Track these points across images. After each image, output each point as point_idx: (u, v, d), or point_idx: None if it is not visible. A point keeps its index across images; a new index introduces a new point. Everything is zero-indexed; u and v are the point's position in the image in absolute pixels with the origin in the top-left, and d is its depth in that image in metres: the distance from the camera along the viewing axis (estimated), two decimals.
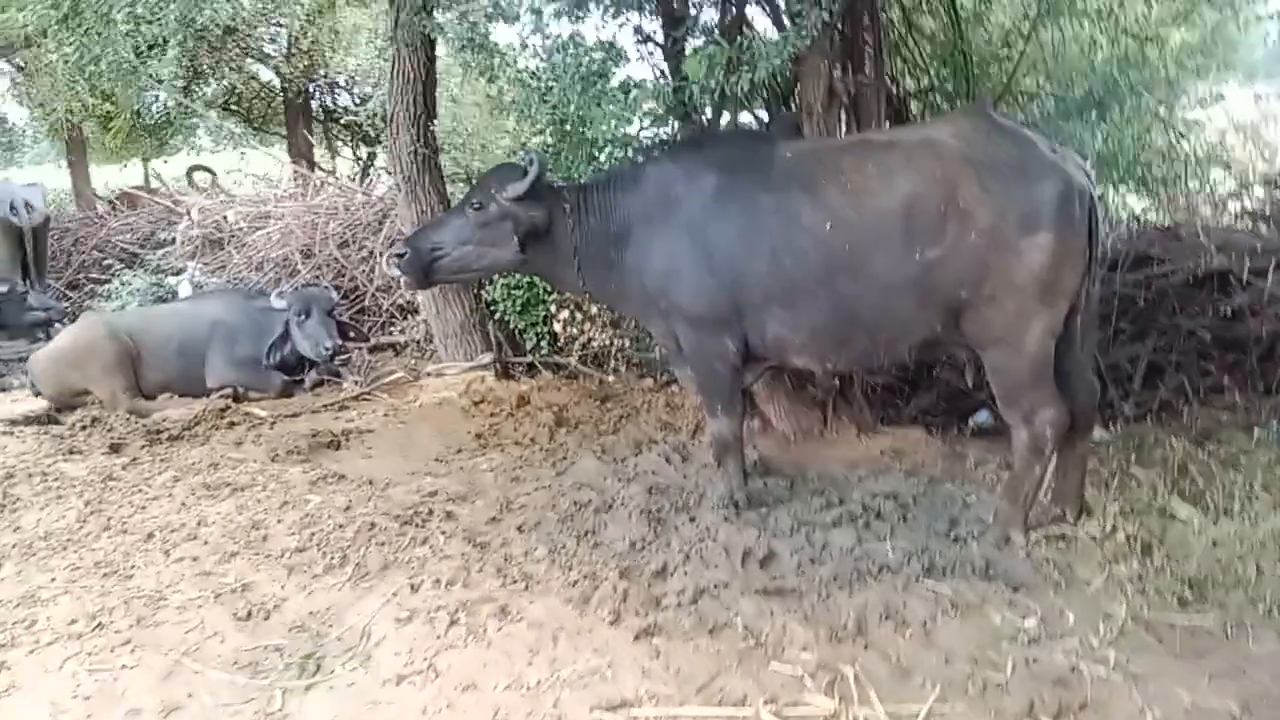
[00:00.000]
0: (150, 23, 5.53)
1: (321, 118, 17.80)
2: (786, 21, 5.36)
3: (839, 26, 5.27)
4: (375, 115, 15.85)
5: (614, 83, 7.00)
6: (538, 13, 5.31)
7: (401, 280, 5.01)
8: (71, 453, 5.93)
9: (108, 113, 15.09)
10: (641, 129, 6.81)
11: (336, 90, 17.95)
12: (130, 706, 3.17)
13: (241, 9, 11.86)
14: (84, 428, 6.33)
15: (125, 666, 3.40)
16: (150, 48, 6.14)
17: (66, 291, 10.83)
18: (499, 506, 4.65)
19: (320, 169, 15.30)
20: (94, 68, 5.03)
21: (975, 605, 3.50)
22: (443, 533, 4.36)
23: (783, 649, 3.25)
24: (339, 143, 18.45)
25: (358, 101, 17.44)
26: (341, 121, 17.76)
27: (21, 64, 14.27)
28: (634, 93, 6.66)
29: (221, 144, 22.00)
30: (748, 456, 4.68)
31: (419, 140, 6.85)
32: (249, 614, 3.74)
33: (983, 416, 5.53)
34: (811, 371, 4.92)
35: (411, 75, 6.86)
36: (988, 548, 3.94)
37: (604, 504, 4.57)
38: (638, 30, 6.71)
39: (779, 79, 5.62)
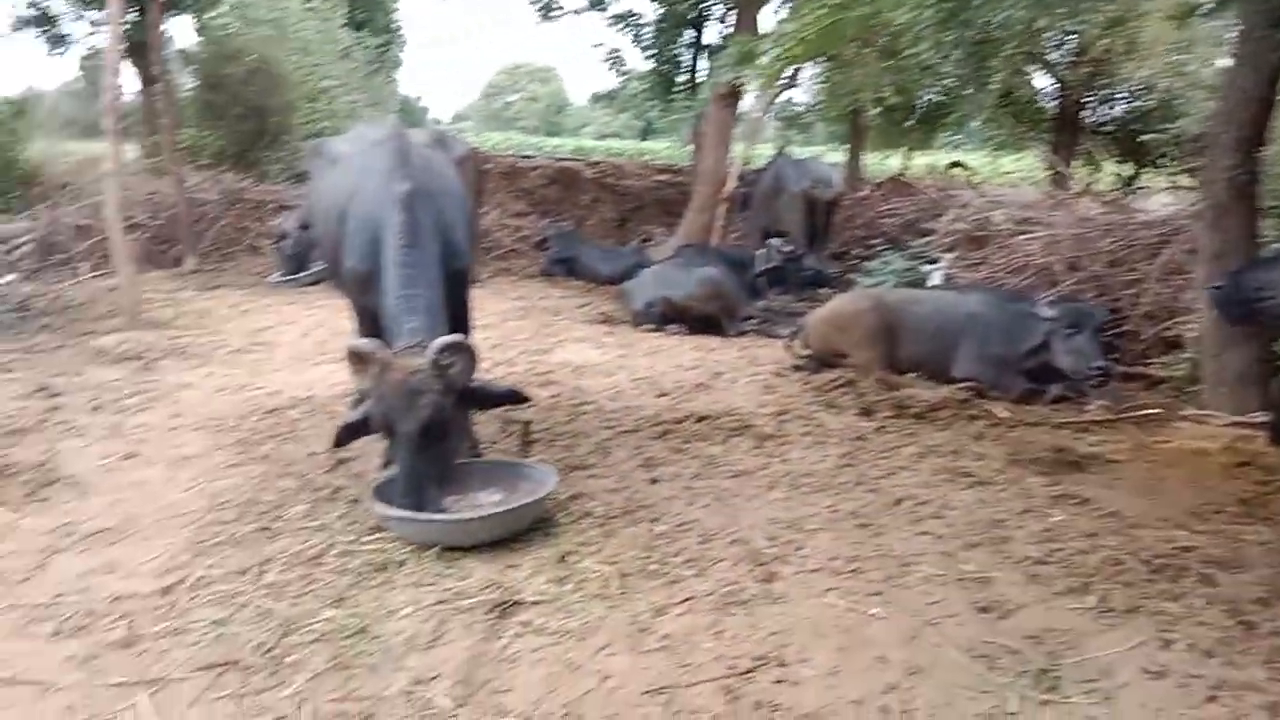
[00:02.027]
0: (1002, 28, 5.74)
1: (1087, 128, 17.16)
2: None
3: None
4: (1156, 133, 14.86)
5: None
6: None
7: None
8: (829, 406, 6.62)
9: (893, 104, 16.34)
10: None
11: (1113, 102, 17.15)
12: (878, 653, 3.43)
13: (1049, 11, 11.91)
14: (839, 387, 7.01)
15: (875, 615, 3.70)
16: (984, 43, 6.40)
17: (830, 260, 12.06)
18: (1268, 587, 4.07)
19: (1075, 181, 14.81)
20: (938, 64, 5.40)
21: None
22: (1199, 596, 3.96)
23: None
24: (1102, 156, 17.65)
25: (1133, 116, 16.48)
26: (1111, 134, 16.94)
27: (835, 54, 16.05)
28: None
29: (978, 143, 22.57)
30: None
31: (1239, 166, 6.20)
32: (987, 608, 3.79)
33: None
34: None
35: (1246, 95, 6.22)
36: None
37: None
38: None
39: None
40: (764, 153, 16.79)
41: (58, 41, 17.97)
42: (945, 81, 10.67)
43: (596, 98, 24.16)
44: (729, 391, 7.02)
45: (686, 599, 3.79)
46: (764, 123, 14.34)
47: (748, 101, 14.78)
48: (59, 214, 13.01)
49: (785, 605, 3.76)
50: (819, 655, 3.40)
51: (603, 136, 49.84)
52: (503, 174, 17.50)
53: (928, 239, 10.79)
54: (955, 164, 17.46)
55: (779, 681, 3.25)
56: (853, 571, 4.05)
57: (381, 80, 26.73)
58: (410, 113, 42.34)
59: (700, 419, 6.19)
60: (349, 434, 4.39)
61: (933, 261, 10.39)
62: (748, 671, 3.29)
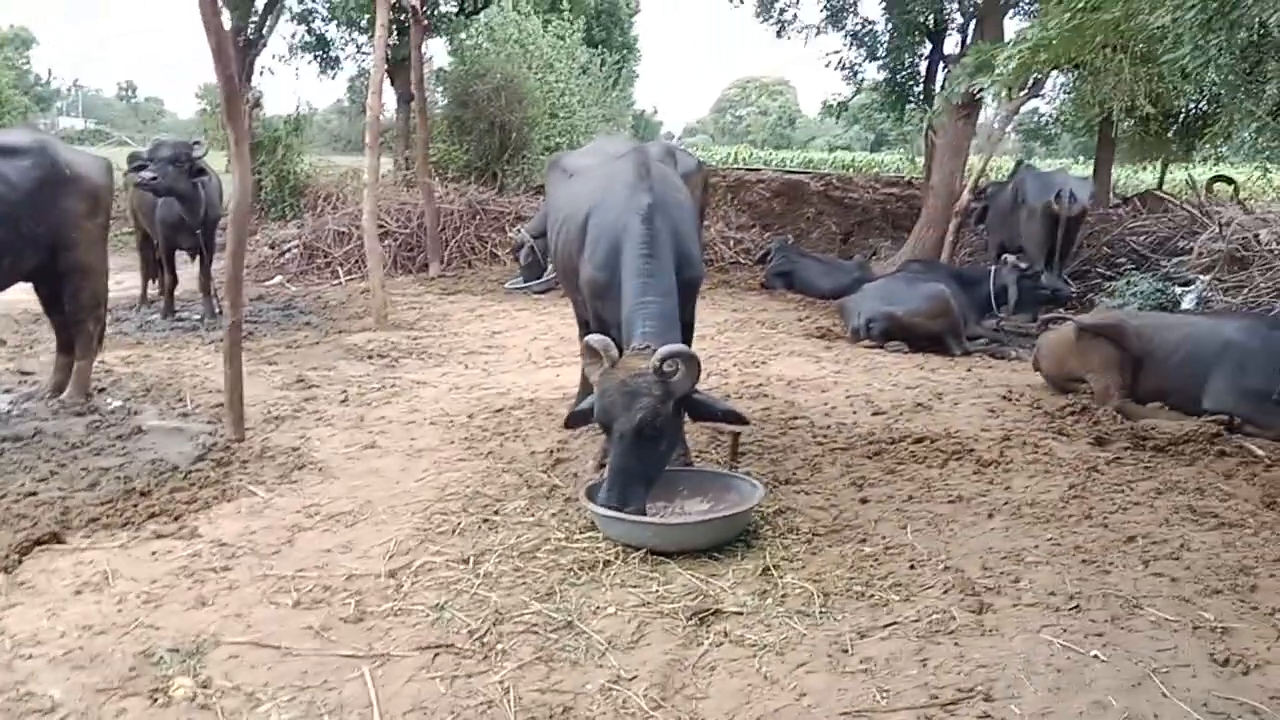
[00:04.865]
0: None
1: None
2: None
3: None
4: None
5: None
6: None
7: None
8: (1059, 434, 6.26)
9: (1147, 114, 15.17)
10: None
11: None
12: (1095, 698, 3.19)
13: None
14: (1072, 414, 6.63)
15: (1095, 657, 3.46)
16: (1258, 44, 5.81)
17: (1068, 279, 11.36)
18: None
19: None
20: (1201, 69, 4.93)
21: None
22: None
23: None
24: None
25: None
26: None
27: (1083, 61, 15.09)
28: None
29: (1246, 156, 20.50)
30: None
31: None
32: (1226, 661, 3.46)
33: None
34: None
35: None
36: None
37: None
38: None
39: None
40: (1004, 166, 16.04)
41: (330, 64, 19.67)
42: (1210, 89, 9.77)
43: (827, 109, 23.90)
44: (950, 413, 6.77)
45: (891, 624, 3.69)
46: (1003, 135, 13.70)
47: (987, 113, 14.22)
48: (322, 222, 14.25)
49: (996, 639, 3.58)
50: (1029, 694, 3.22)
51: (833, 149, 49.23)
52: (728, 187, 17.65)
53: (1181, 259, 9.97)
54: (1220, 178, 16.02)
55: (984, 716, 3.09)
56: (1073, 609, 3.81)
57: (617, 95, 27.59)
58: (645, 127, 43.43)
59: (917, 440, 6.01)
60: (576, 419, 4.76)
61: (1187, 284, 9.61)
62: (951, 703, 3.16)
